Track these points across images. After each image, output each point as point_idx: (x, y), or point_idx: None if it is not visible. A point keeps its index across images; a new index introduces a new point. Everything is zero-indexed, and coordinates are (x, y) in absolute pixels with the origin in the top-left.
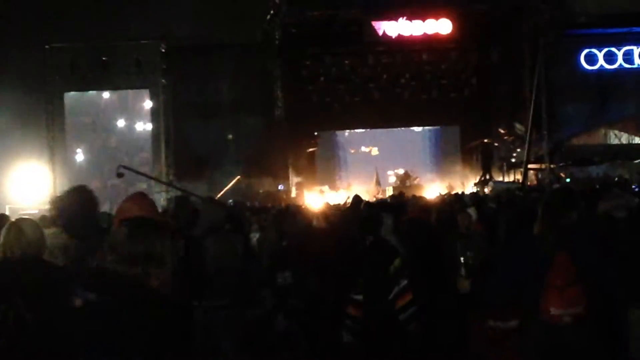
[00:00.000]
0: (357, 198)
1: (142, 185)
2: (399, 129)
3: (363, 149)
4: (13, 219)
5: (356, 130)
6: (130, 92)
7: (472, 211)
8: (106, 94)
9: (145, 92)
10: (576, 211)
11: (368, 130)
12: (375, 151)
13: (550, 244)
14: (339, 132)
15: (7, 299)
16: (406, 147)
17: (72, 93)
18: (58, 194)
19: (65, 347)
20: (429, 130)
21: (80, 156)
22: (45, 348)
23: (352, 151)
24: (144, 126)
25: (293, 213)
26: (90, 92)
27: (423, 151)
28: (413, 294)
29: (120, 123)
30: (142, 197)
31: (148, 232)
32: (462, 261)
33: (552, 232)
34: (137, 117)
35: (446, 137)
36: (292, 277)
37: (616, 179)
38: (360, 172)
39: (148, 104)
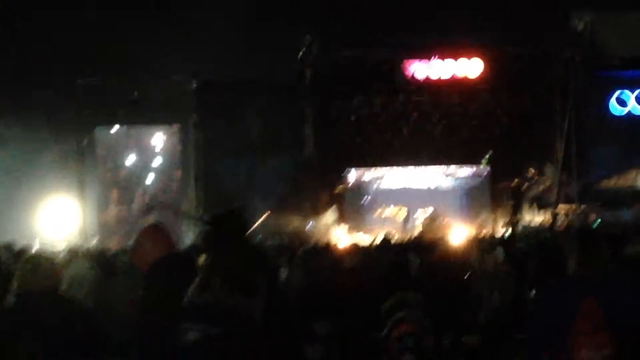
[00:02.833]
0: (386, 238)
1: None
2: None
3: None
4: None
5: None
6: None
7: (500, 251)
8: (119, 128)
9: (158, 128)
10: (606, 255)
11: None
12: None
13: (581, 288)
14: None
15: (19, 333)
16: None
17: (100, 131)
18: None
19: None
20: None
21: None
22: None
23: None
24: (154, 161)
25: (321, 252)
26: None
27: (452, 191)
28: (414, 327)
29: (131, 158)
30: (156, 232)
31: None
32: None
33: (584, 275)
34: (149, 152)
35: (478, 182)
36: (332, 326)
37: None
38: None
39: (160, 139)
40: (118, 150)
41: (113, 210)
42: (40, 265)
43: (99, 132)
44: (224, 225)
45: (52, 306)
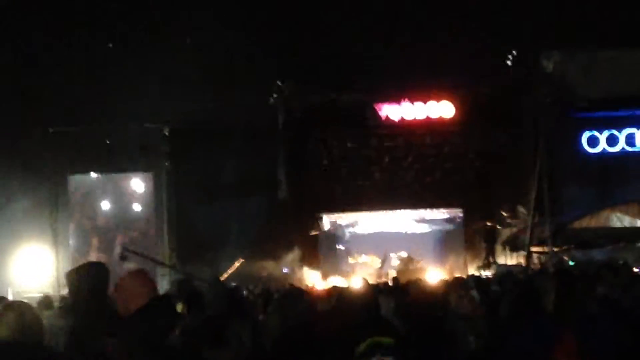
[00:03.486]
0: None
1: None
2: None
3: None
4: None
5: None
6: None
7: (474, 294)
8: (93, 175)
9: (134, 174)
10: (582, 295)
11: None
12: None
13: (558, 324)
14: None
15: None
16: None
17: (74, 178)
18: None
19: None
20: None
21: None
22: None
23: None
24: (132, 207)
25: (296, 296)
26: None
27: (427, 236)
28: None
29: (105, 205)
30: (140, 278)
31: None
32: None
33: (562, 312)
34: (125, 199)
35: (452, 228)
36: None
37: (620, 262)
38: (364, 252)
39: (136, 185)
40: (95, 197)
41: (93, 258)
42: (24, 315)
43: (72, 179)
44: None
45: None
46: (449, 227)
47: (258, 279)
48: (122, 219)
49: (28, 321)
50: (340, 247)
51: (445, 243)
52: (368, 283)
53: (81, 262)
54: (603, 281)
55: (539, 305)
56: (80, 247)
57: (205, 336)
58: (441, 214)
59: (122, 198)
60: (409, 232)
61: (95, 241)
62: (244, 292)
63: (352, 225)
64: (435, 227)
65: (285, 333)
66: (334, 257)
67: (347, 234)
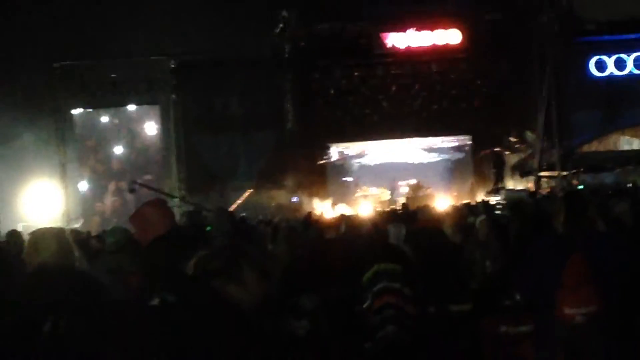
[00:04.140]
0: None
1: None
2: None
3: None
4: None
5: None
6: (134, 113)
7: (486, 219)
8: (104, 118)
9: (147, 112)
10: (593, 215)
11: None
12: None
13: (567, 245)
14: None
15: (52, 309)
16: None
17: (79, 113)
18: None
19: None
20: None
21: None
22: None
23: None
24: (146, 147)
25: (305, 226)
26: (93, 114)
27: (435, 163)
28: (394, 297)
29: (119, 148)
30: (161, 207)
31: None
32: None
33: (571, 233)
34: (138, 138)
35: (460, 155)
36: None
37: (629, 185)
38: (372, 183)
39: (150, 125)
40: (108, 141)
41: (108, 202)
42: (62, 239)
43: (76, 114)
44: None
45: (70, 281)
46: (458, 154)
47: (267, 209)
48: (135, 162)
49: (65, 245)
50: (349, 178)
51: (454, 170)
52: (376, 210)
53: (96, 206)
54: (612, 204)
55: (548, 228)
56: (95, 191)
57: (217, 268)
58: (449, 141)
59: (134, 140)
60: (417, 160)
61: (110, 185)
62: (254, 222)
63: (360, 155)
64: (443, 155)
65: (294, 262)
66: (342, 188)
67: (355, 165)
